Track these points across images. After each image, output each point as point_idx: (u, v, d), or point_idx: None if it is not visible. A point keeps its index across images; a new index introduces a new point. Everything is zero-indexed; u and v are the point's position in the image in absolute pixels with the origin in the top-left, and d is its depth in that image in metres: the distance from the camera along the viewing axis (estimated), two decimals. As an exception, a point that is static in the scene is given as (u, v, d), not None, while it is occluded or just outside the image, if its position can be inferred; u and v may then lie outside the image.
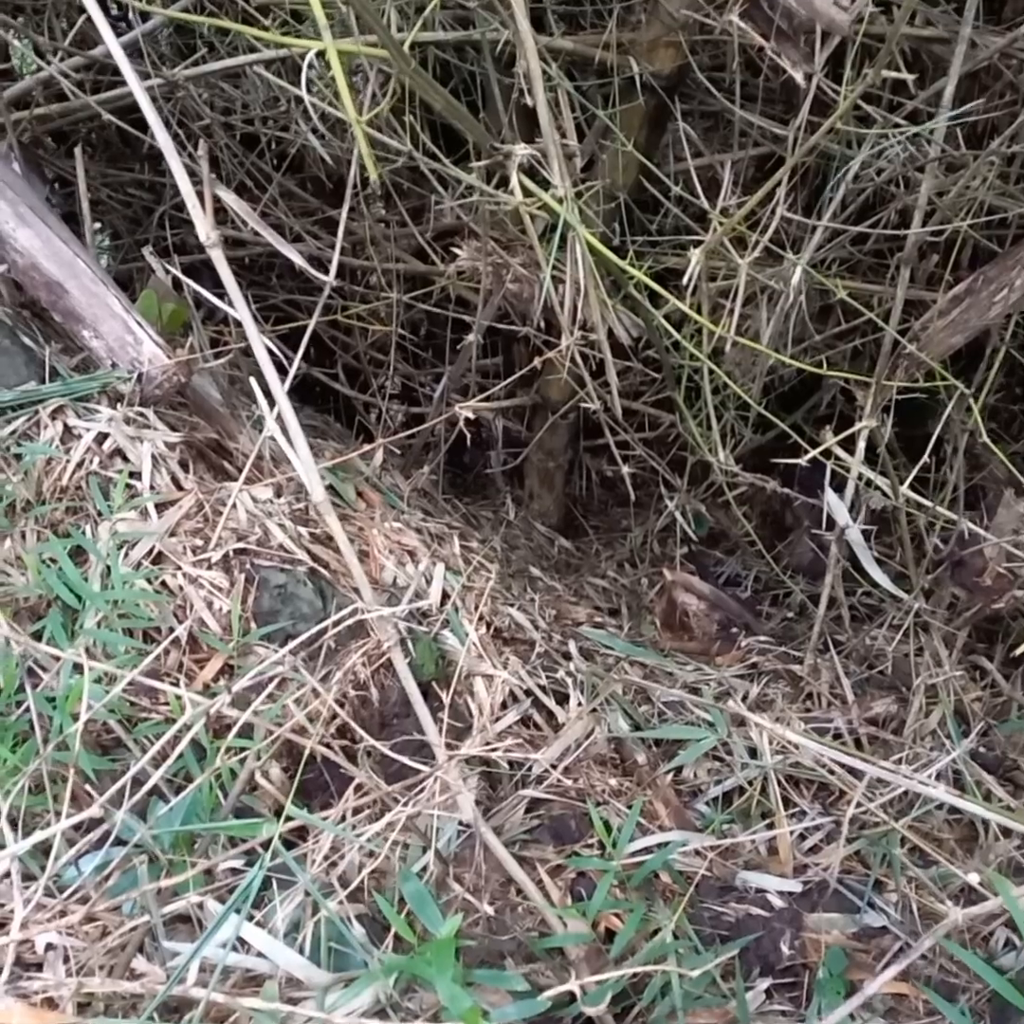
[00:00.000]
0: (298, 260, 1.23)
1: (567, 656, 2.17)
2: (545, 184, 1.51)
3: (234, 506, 1.71)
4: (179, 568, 1.62)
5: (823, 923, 1.66)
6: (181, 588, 1.61)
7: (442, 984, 0.99)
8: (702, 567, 2.99)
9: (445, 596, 1.97)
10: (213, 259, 1.05)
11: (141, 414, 1.73)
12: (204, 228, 1.06)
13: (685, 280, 1.56)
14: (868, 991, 1.10)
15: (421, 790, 1.31)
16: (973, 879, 1.32)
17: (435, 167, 1.70)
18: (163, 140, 1.05)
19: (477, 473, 3.33)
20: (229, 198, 1.13)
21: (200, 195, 1.07)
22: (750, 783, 1.89)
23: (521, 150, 1.34)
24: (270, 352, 1.09)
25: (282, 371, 1.35)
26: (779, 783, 1.88)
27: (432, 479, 2.82)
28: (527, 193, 1.39)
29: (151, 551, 1.61)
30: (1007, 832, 1.69)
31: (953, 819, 1.86)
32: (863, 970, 1.60)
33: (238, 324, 2.25)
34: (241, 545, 1.69)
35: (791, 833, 1.82)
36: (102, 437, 1.69)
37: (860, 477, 1.75)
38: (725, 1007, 1.47)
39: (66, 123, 2.53)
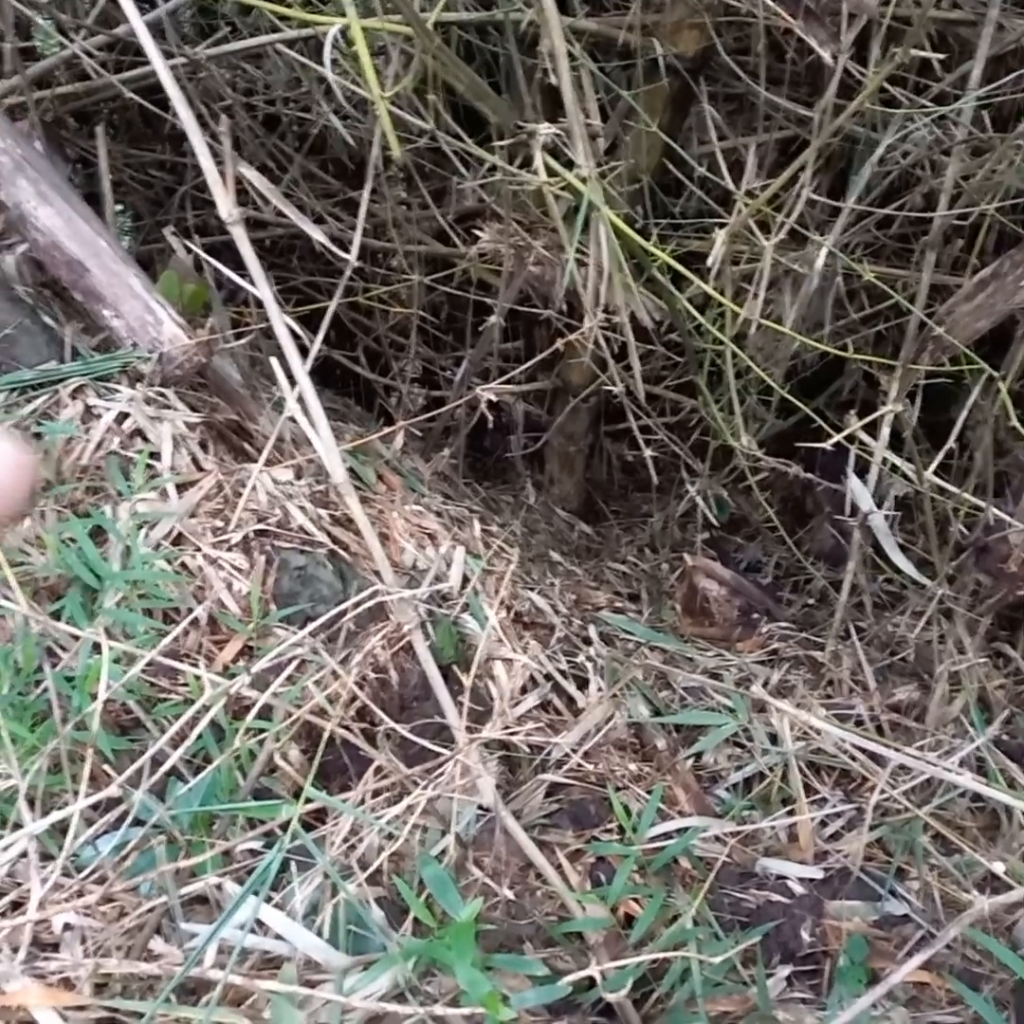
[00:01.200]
0: (320, 237, 1.22)
1: (587, 641, 2.17)
2: (569, 165, 1.49)
3: (254, 488, 1.71)
4: (199, 549, 1.62)
5: (844, 910, 1.65)
6: (201, 569, 1.61)
7: (461, 968, 0.99)
8: (723, 553, 2.97)
9: (465, 580, 1.96)
10: (234, 237, 1.04)
11: (161, 394, 1.73)
12: (225, 206, 1.05)
13: (709, 262, 1.54)
14: (893, 979, 1.09)
15: (441, 773, 1.30)
16: (998, 868, 1.30)
17: (458, 147, 1.69)
18: (185, 116, 1.04)
19: (497, 457, 3.32)
20: (251, 175, 1.12)
21: (222, 173, 1.06)
22: (771, 769, 1.88)
23: (545, 129, 1.33)
24: (291, 333, 1.08)
25: (303, 352, 1.35)
26: (800, 770, 1.87)
27: (452, 463, 2.81)
28: (551, 173, 1.38)
29: (171, 532, 1.61)
30: (1031, 820, 1.67)
31: (976, 807, 1.85)
32: (884, 958, 1.59)
33: (259, 305, 2.25)
34: (261, 527, 1.69)
35: (812, 820, 1.81)
36: (122, 417, 1.69)
37: (884, 462, 1.72)
38: (745, 994, 1.46)
39: (88, 103, 2.53)
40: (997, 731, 1.84)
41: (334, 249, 1.21)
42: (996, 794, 1.19)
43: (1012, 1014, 1.41)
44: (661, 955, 1.27)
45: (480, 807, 1.60)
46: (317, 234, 1.22)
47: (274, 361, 1.19)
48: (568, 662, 2.03)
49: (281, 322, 1.01)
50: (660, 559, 3.01)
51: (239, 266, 1.31)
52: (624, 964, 1.21)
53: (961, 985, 1.35)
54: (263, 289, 1.03)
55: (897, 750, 1.31)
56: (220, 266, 1.28)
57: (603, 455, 3.26)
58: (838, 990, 1.51)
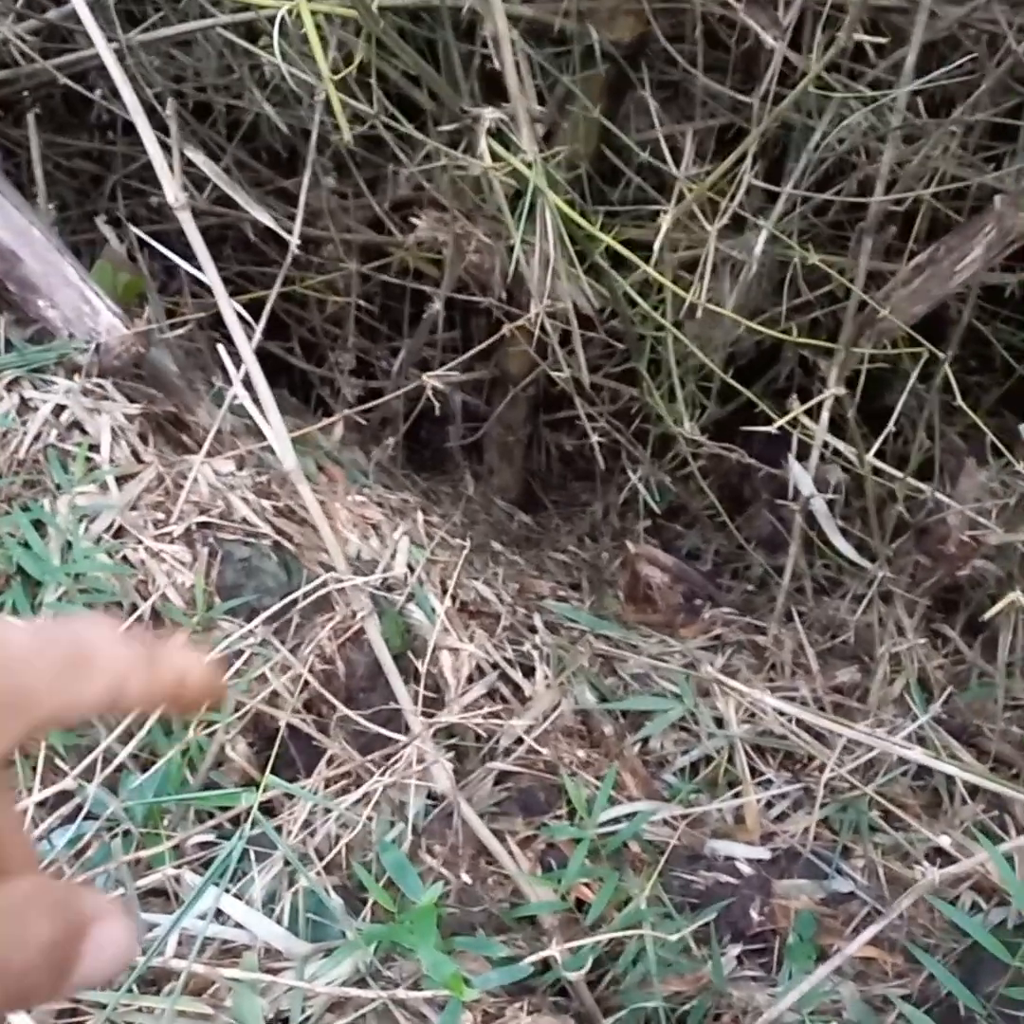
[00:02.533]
0: (266, 220, 1.20)
1: (533, 629, 2.16)
2: (512, 150, 1.49)
3: (196, 479, 1.68)
4: (141, 542, 1.58)
5: (792, 889, 1.68)
6: (143, 562, 1.58)
7: (424, 951, 0.98)
8: (663, 540, 2.99)
9: (410, 569, 1.95)
10: (181, 222, 1.02)
11: (99, 385, 1.69)
12: (172, 191, 1.03)
13: (655, 247, 1.54)
14: (846, 952, 1.11)
15: (397, 760, 1.29)
16: (945, 841, 1.34)
17: (399, 128, 1.67)
18: (130, 100, 1.01)
19: (435, 448, 3.30)
20: (200, 159, 1.10)
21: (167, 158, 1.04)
22: (717, 752, 1.90)
23: (490, 113, 1.32)
24: (238, 317, 1.06)
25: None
26: (746, 752, 1.89)
27: (391, 455, 2.79)
28: (496, 158, 1.37)
29: (112, 525, 1.58)
30: (973, 795, 1.71)
31: (917, 786, 1.88)
32: (832, 935, 1.62)
33: (195, 295, 2.22)
34: (203, 519, 1.66)
35: (758, 801, 1.83)
36: (59, 409, 1.65)
37: (825, 446, 1.75)
38: (698, 973, 1.48)
39: (12, 92, 2.46)
40: (938, 710, 1.87)
41: (280, 231, 1.19)
42: (944, 766, 1.22)
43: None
44: (617, 935, 1.28)
45: (429, 796, 1.60)
46: (263, 217, 1.20)
47: (221, 348, 1.17)
48: (514, 650, 2.03)
49: (229, 306, 1.00)
50: (601, 548, 3.02)
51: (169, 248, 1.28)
52: (580, 945, 1.22)
53: (916, 949, 1.37)
54: (211, 274, 1.01)
55: (847, 726, 1.33)
56: (169, 253, 1.25)
57: (542, 445, 3.26)
58: (788, 967, 1.54)
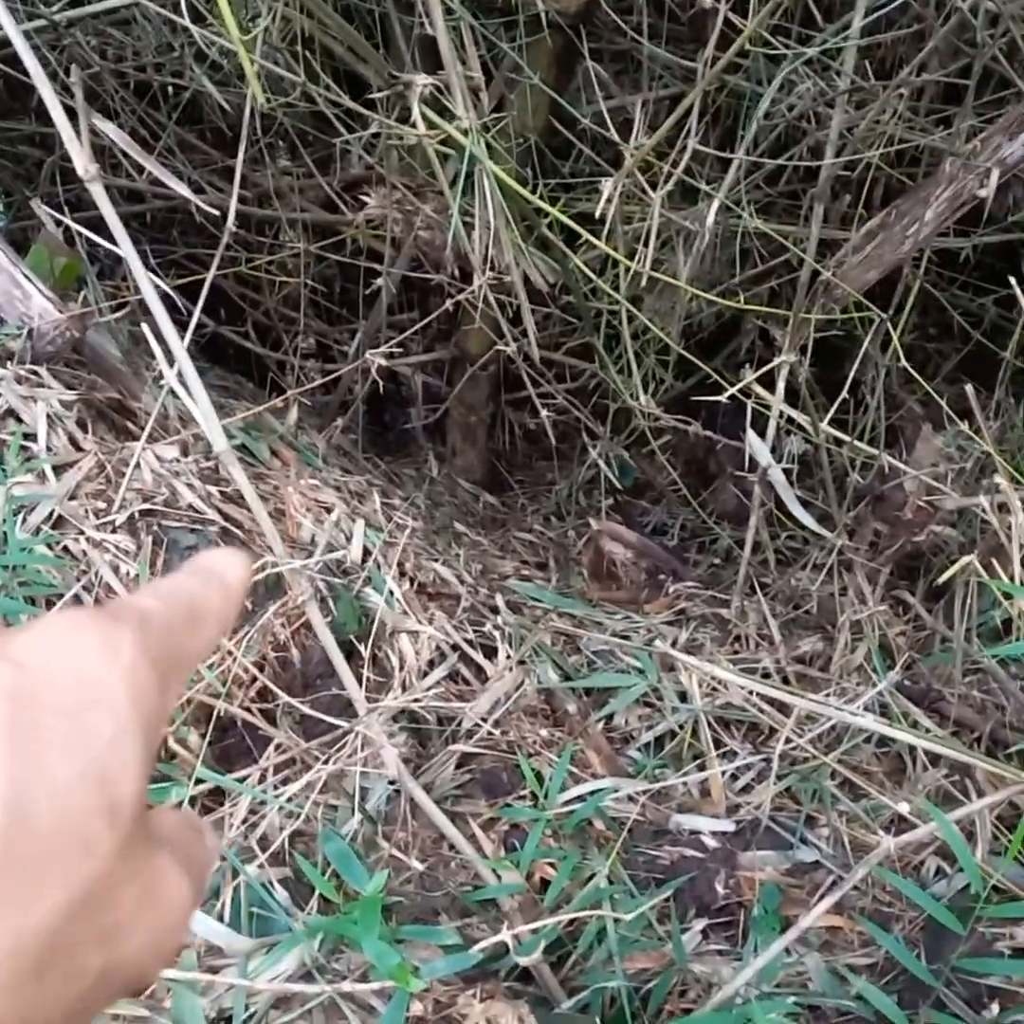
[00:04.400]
0: (184, 191, 1.16)
1: (494, 609, 2.14)
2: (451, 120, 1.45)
3: (138, 466, 1.64)
4: (82, 532, 1.55)
5: (756, 861, 1.66)
6: (84, 553, 1.54)
7: (369, 942, 0.96)
8: (628, 517, 2.98)
9: (366, 552, 1.92)
10: (92, 194, 0.99)
11: (34, 372, 1.65)
12: (81, 161, 0.99)
13: (602, 213, 1.51)
14: (803, 924, 1.09)
15: (342, 746, 1.26)
16: (904, 808, 1.32)
17: (336, 103, 1.63)
18: (32, 68, 0.97)
19: (398, 431, 3.27)
20: (108, 128, 1.06)
21: (76, 129, 1.00)
22: (681, 727, 1.89)
23: (422, 79, 1.28)
24: (164, 296, 1.02)
25: (183, 326, 1.29)
26: (709, 725, 1.87)
27: (351, 438, 2.76)
28: (431, 126, 1.33)
29: (51, 515, 1.54)
30: (935, 762, 1.70)
31: (881, 753, 1.88)
32: (797, 905, 1.60)
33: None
34: (147, 506, 1.62)
35: (722, 774, 1.81)
36: (-7, 398, 1.61)
37: (781, 415, 1.73)
38: (661, 950, 1.46)
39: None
40: (899, 676, 1.86)
41: (198, 202, 1.16)
42: (901, 734, 1.20)
43: (922, 951, 1.43)
44: (574, 915, 1.26)
45: (389, 782, 1.57)
46: (182, 189, 1.16)
47: (145, 327, 1.13)
48: (475, 631, 2.01)
49: (146, 281, 0.96)
50: (566, 527, 3.00)
51: (114, 240, 1.24)
52: (537, 926, 1.20)
53: (871, 924, 1.36)
54: (125, 246, 0.98)
55: (804, 697, 1.31)
56: (90, 234, 1.21)
57: (505, 424, 3.24)
58: (753, 939, 1.52)
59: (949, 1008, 1.29)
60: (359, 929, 0.96)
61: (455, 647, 1.92)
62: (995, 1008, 1.25)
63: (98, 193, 0.97)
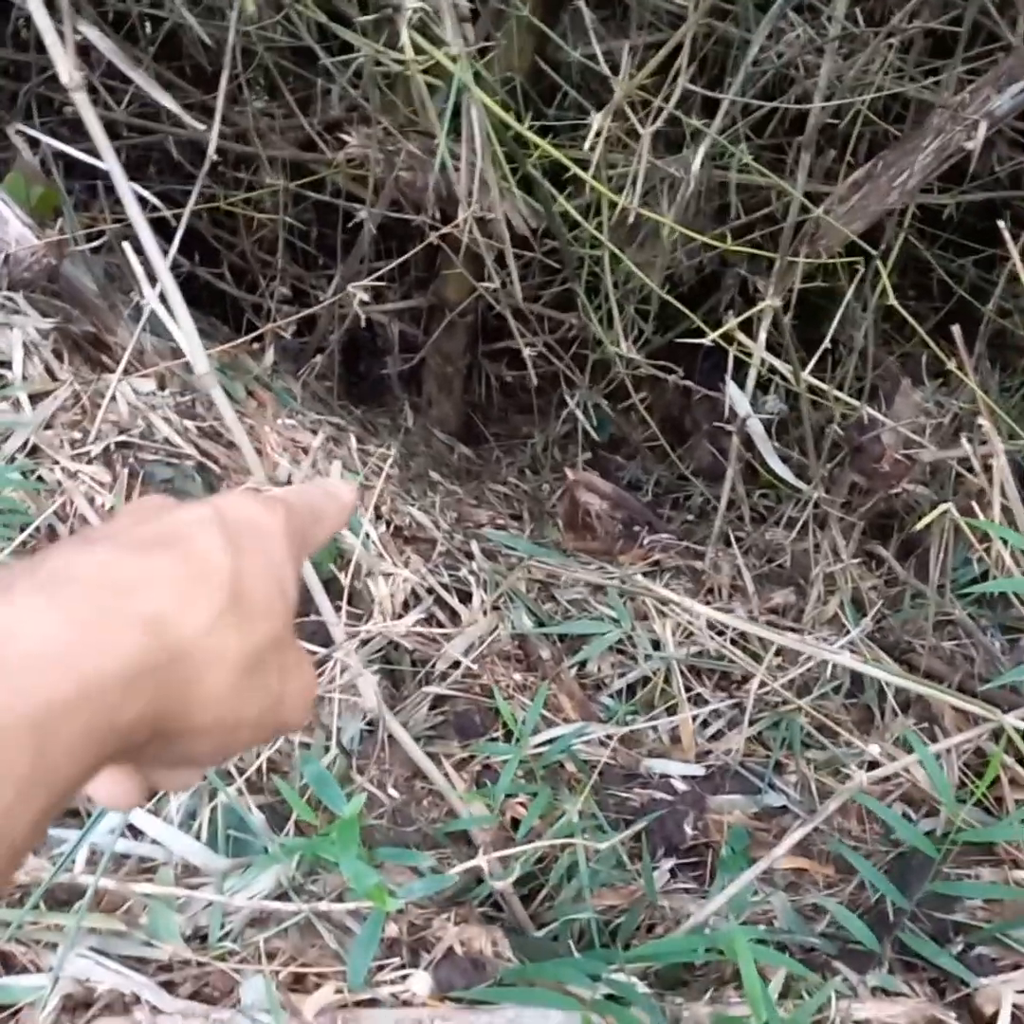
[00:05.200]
0: (171, 105, 1.14)
1: (469, 555, 2.14)
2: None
3: (114, 398, 1.62)
4: (56, 462, 1.53)
5: (725, 804, 1.68)
6: (59, 483, 1.52)
7: (346, 862, 0.96)
8: (604, 472, 2.97)
9: (342, 494, 1.91)
10: (76, 103, 0.96)
11: (10, 299, 1.62)
12: (65, 69, 0.96)
13: (586, 145, 1.50)
14: (775, 853, 1.11)
15: (320, 673, 1.26)
16: (874, 750, 1.34)
17: (322, 24, 1.60)
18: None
19: (373, 380, 3.25)
20: (93, 34, 1.03)
21: (60, 34, 0.98)
22: (654, 674, 1.90)
23: (412, 3, 1.26)
24: (140, 199, 1.00)
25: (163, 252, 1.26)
26: (682, 673, 1.89)
27: (327, 386, 2.73)
28: (419, 51, 1.31)
29: (26, 444, 1.52)
30: (905, 709, 1.72)
31: (849, 703, 1.90)
32: (764, 848, 1.62)
33: (115, 213, 2.13)
34: (123, 438, 1.60)
35: (694, 720, 1.83)
36: (-34, 323, 1.58)
37: (762, 363, 1.73)
38: (630, 886, 1.48)
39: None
40: (870, 627, 1.88)
41: (182, 114, 1.13)
42: (870, 670, 1.21)
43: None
44: (547, 843, 1.27)
45: (365, 722, 1.57)
46: (167, 101, 1.14)
47: (127, 246, 1.11)
48: (451, 576, 2.00)
49: (129, 192, 0.94)
50: (541, 480, 3.00)
51: (90, 174, 1.21)
52: (510, 853, 1.20)
53: (844, 847, 1.38)
54: (109, 159, 0.95)
55: (778, 635, 1.32)
56: (66, 148, 1.18)
57: (482, 376, 3.22)
58: (721, 879, 1.54)
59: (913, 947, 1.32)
60: (337, 849, 0.96)
61: (430, 590, 1.92)
62: (960, 943, 1.27)
63: (82, 102, 0.95)
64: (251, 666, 0.39)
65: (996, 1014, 1.16)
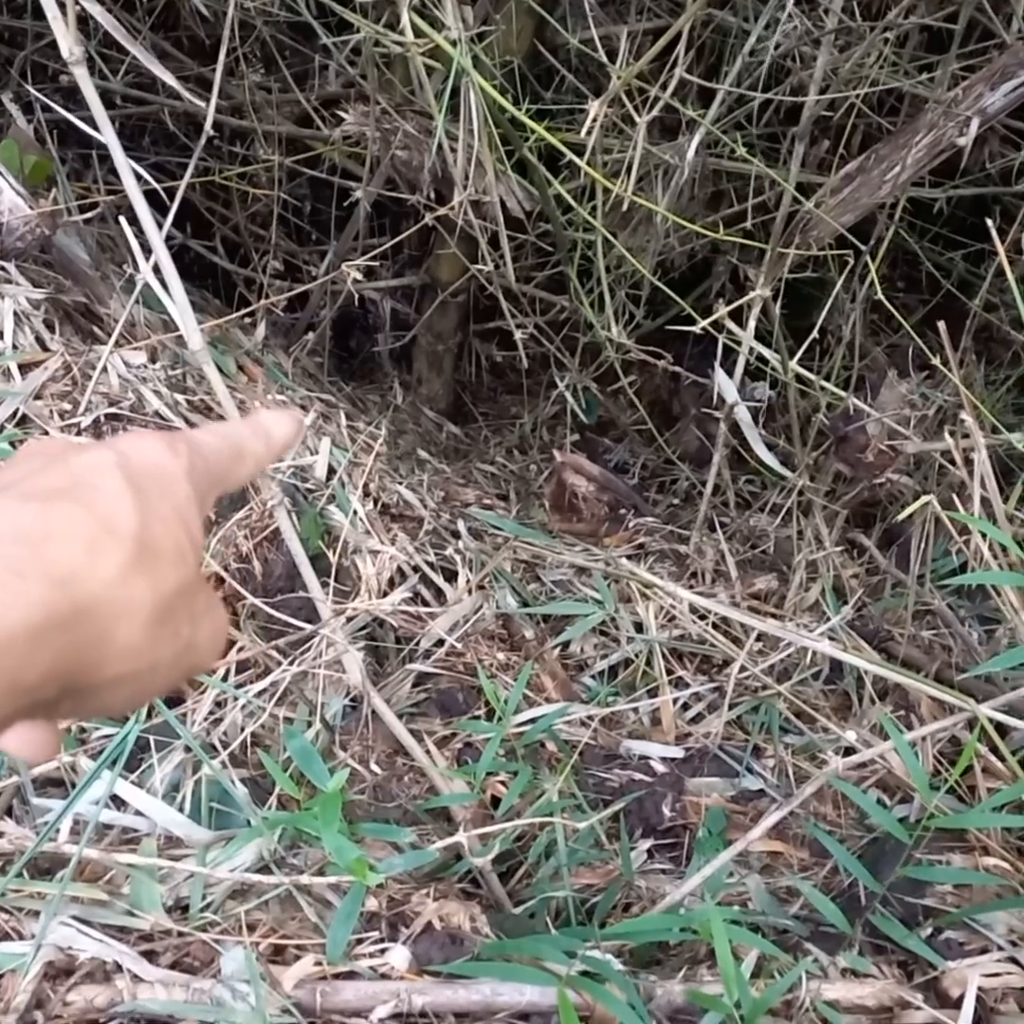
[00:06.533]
0: (169, 78, 1.14)
1: (456, 534, 2.15)
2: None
3: (105, 370, 1.62)
4: (46, 432, 1.53)
5: (703, 787, 1.71)
6: (49, 453, 1.52)
7: (328, 836, 0.98)
8: (591, 453, 2.99)
9: (331, 471, 1.92)
10: (75, 77, 0.96)
11: (1, 268, 1.62)
12: (66, 43, 0.97)
13: (583, 131, 1.50)
14: (751, 835, 1.13)
15: (306, 649, 1.27)
16: (850, 736, 1.36)
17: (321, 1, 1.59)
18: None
19: (363, 358, 3.25)
20: (96, 10, 1.03)
21: (62, 7, 0.98)
22: (636, 656, 1.92)
23: (412, -16, 1.26)
24: (136, 175, 1.01)
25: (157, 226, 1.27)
26: (664, 656, 1.91)
27: (317, 361, 2.74)
28: (419, 34, 1.31)
29: (15, 413, 1.52)
30: (882, 697, 1.75)
31: (827, 690, 1.92)
32: (741, 830, 1.64)
33: (109, 184, 2.13)
34: (113, 410, 1.61)
35: (674, 703, 1.85)
36: (-41, 292, 1.58)
37: (751, 351, 1.74)
38: (608, 866, 1.50)
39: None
40: (851, 615, 1.90)
41: (181, 90, 1.13)
42: (852, 658, 1.23)
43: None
44: (527, 822, 1.29)
45: (348, 699, 1.59)
46: (167, 77, 1.14)
47: (122, 220, 1.12)
48: (437, 554, 2.02)
49: (127, 166, 0.94)
50: (529, 461, 3.01)
51: (81, 143, 1.20)
52: (489, 831, 1.22)
53: (818, 830, 1.40)
54: (108, 133, 0.96)
55: (758, 620, 1.34)
56: (66, 113, 1.18)
57: (472, 356, 3.22)
58: (697, 860, 1.57)
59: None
60: (319, 823, 0.98)
61: (416, 568, 1.93)
62: (929, 927, 1.30)
63: (82, 76, 0.95)
64: (162, 615, 0.39)
65: (962, 996, 1.18)
